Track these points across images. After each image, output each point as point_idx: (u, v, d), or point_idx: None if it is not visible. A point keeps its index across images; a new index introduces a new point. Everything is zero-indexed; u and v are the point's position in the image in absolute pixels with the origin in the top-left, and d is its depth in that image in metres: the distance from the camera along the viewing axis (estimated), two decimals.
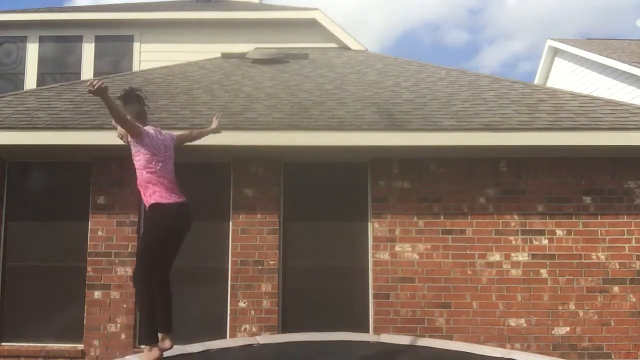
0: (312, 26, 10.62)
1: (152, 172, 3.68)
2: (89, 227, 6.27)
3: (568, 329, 5.98)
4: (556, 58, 13.76)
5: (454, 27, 52.50)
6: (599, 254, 6.09)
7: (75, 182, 6.49)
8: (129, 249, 6.20)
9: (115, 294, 6.14)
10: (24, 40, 10.87)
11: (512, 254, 6.10)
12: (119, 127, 3.71)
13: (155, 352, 3.82)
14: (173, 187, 3.77)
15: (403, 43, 51.37)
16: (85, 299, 6.17)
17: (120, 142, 6.10)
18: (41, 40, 10.86)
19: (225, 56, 9.89)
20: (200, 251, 6.34)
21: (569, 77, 12.94)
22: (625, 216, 6.14)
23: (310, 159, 6.40)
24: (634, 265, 6.06)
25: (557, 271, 6.07)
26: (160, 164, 3.70)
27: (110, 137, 6.09)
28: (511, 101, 6.95)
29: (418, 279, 6.08)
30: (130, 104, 3.79)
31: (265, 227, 6.21)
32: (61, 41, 10.91)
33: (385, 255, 6.13)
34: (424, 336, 5.84)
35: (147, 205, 3.74)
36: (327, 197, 6.42)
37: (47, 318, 6.29)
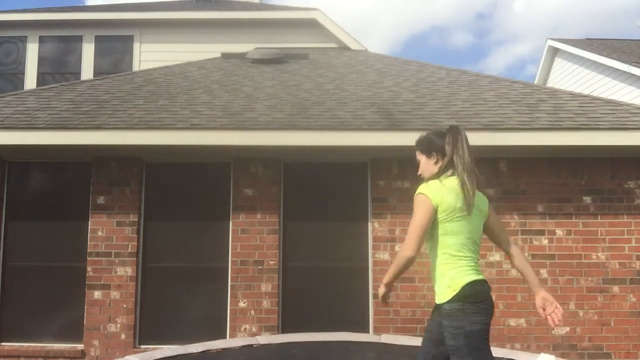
0: (312, 26, 10.63)
1: None
2: (89, 227, 6.27)
3: (568, 329, 5.98)
4: (556, 58, 13.76)
5: (462, 31, 52.65)
6: (599, 254, 6.09)
7: (75, 182, 6.49)
8: (129, 249, 6.21)
9: (115, 294, 6.14)
10: (24, 40, 10.88)
11: None
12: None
13: None
14: None
15: (411, 46, 51.56)
16: (85, 299, 6.17)
17: (121, 142, 6.15)
18: (41, 40, 10.87)
19: (225, 56, 9.90)
20: (200, 251, 6.34)
21: (569, 77, 12.94)
22: (625, 216, 6.14)
23: (310, 159, 6.40)
24: (634, 265, 6.06)
25: (557, 271, 6.07)
26: None
27: (110, 137, 6.11)
28: (511, 101, 6.95)
29: (418, 279, 6.08)
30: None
31: (265, 227, 6.21)
32: (61, 41, 10.92)
33: (385, 255, 6.13)
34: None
35: None
36: (327, 197, 6.42)
37: (47, 318, 6.29)
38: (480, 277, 2.83)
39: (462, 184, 2.79)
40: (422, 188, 2.81)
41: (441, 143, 2.91)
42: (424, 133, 3.07)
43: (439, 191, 2.78)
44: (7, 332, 6.28)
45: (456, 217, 2.79)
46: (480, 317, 2.77)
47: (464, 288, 2.75)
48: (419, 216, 2.75)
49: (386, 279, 3.01)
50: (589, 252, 6.09)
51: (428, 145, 2.98)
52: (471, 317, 2.73)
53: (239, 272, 6.16)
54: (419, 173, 3.05)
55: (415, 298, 6.05)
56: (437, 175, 2.90)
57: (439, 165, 2.92)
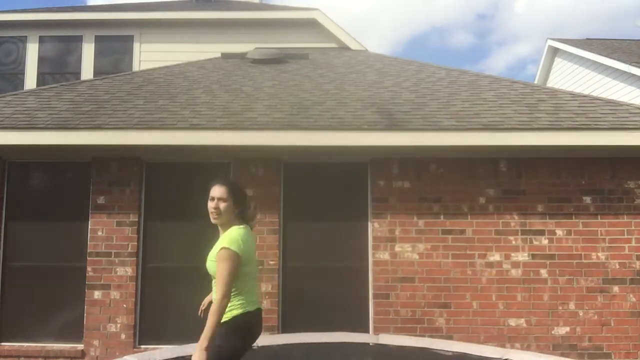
0: (312, 26, 10.64)
1: None
2: (89, 227, 6.27)
3: (568, 329, 5.98)
4: (556, 58, 13.77)
5: (463, 31, 52.78)
6: (599, 254, 6.09)
7: (75, 182, 6.49)
8: (129, 249, 6.21)
9: (115, 294, 6.14)
10: (24, 40, 10.88)
11: (512, 254, 6.10)
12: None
13: None
14: None
15: (412, 46, 51.69)
16: (85, 299, 6.17)
17: (121, 142, 6.15)
18: (41, 40, 10.88)
19: (225, 56, 9.90)
20: (200, 251, 6.34)
21: (569, 77, 12.94)
22: (625, 216, 6.15)
23: (310, 159, 6.40)
24: (634, 265, 6.07)
25: (557, 271, 6.08)
26: None
27: (110, 137, 6.11)
28: (511, 101, 6.95)
29: (418, 279, 6.08)
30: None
31: (265, 227, 6.21)
32: (61, 41, 10.93)
33: (385, 255, 6.13)
34: (424, 336, 5.84)
35: None
36: (327, 197, 6.42)
37: (47, 318, 6.29)
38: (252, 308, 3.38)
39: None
40: (230, 243, 3.31)
41: (246, 201, 3.50)
42: (234, 180, 3.57)
43: (245, 245, 3.31)
44: (7, 332, 6.28)
45: (251, 263, 3.35)
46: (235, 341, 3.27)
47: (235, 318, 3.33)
48: (230, 270, 3.32)
49: (206, 341, 3.09)
50: (589, 252, 6.10)
51: (239, 195, 3.48)
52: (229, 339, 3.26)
53: None
54: (214, 209, 3.53)
55: (415, 298, 6.05)
56: (232, 222, 3.46)
57: (235, 214, 3.45)
